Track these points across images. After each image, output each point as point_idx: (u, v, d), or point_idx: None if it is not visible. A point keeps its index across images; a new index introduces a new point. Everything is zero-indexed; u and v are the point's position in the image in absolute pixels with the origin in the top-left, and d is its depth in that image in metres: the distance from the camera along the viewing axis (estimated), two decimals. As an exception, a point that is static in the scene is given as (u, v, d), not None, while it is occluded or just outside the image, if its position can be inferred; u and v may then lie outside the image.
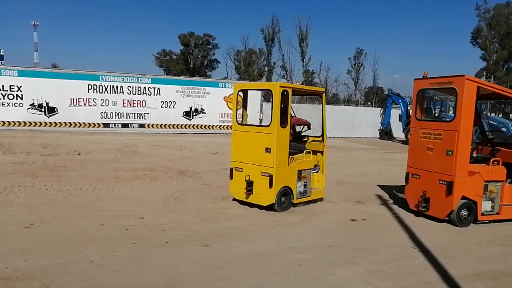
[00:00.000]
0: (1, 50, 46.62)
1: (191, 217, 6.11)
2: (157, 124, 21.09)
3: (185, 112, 21.57)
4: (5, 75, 18.33)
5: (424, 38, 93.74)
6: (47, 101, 19.02)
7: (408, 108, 21.60)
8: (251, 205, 6.79)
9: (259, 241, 5.16)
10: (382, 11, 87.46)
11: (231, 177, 6.99)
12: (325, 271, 4.31)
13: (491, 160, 6.37)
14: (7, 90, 18.35)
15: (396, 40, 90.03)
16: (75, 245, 4.71)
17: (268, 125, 6.52)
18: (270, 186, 6.41)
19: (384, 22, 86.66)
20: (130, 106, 20.49)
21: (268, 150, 6.44)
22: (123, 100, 20.34)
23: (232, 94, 6.80)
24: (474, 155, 6.69)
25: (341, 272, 4.34)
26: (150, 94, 20.82)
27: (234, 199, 7.10)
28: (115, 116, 20.32)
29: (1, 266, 4.04)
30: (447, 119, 7.41)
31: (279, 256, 4.68)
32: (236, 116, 7.13)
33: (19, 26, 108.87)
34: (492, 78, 48.93)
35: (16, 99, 18.54)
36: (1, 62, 38.87)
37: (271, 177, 6.40)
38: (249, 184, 6.62)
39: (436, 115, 19.31)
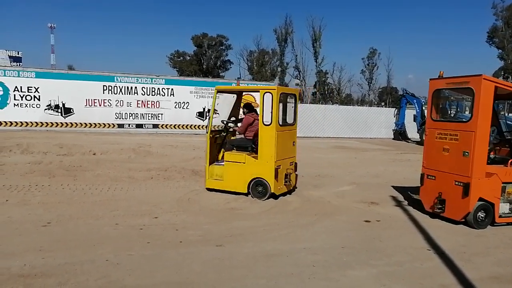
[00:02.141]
0: (19, 52, 47.75)
1: (204, 217, 6.14)
2: (171, 125, 21.27)
3: (198, 112, 21.70)
4: (23, 77, 18.74)
5: (439, 38, 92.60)
6: (64, 102, 19.38)
7: (423, 108, 21.32)
8: (263, 205, 6.79)
9: (272, 242, 5.16)
10: (396, 10, 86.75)
11: (276, 178, 7.24)
12: (338, 273, 4.29)
13: (509, 161, 6.23)
14: (25, 91, 18.76)
15: (410, 40, 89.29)
16: (90, 244, 4.78)
17: (293, 124, 7.96)
18: (295, 170, 8.07)
19: (398, 22, 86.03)
20: (144, 106, 20.71)
21: (294, 143, 7.99)
22: (137, 100, 20.58)
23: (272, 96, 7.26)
24: (492, 156, 6.57)
25: (355, 273, 4.30)
26: (164, 95, 21.01)
27: (276, 196, 7.41)
28: (130, 116, 20.56)
29: (19, 263, 4.12)
30: (464, 120, 7.29)
31: (292, 257, 4.66)
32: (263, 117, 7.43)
33: (36, 29, 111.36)
34: (510, 77, 47.87)
35: (34, 100, 18.93)
36: (19, 64, 39.72)
37: (295, 165, 8.06)
38: (287, 176, 7.55)
39: (452, 115, 19.01)
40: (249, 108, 8.17)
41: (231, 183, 7.59)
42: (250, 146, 7.70)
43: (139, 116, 20.70)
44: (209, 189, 7.83)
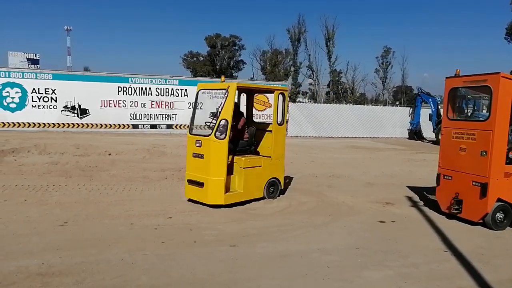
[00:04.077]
0: (37, 55, 48.69)
1: (218, 217, 6.16)
2: (185, 125, 21.35)
3: (211, 113, 21.64)
4: (41, 79, 19.11)
5: (455, 36, 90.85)
6: (80, 103, 19.68)
7: (439, 107, 20.99)
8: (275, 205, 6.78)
9: (286, 242, 5.14)
10: (411, 8, 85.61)
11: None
12: (353, 274, 4.25)
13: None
14: (42, 93, 19.12)
15: (425, 38, 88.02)
16: (106, 243, 4.84)
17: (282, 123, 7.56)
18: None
19: (413, 19, 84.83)
20: (158, 107, 20.89)
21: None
22: (152, 101, 20.77)
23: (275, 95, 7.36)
24: (510, 155, 6.42)
25: (370, 274, 4.26)
26: (178, 95, 21.16)
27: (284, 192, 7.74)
28: (144, 117, 20.76)
29: (37, 262, 4.20)
30: (481, 119, 7.15)
31: (306, 258, 4.64)
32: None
33: (53, 32, 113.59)
34: (529, 75, 46.67)
35: (51, 101, 19.29)
36: (37, 66, 40.53)
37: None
38: None
39: (469, 114, 18.66)
40: (237, 108, 7.76)
41: (251, 191, 6.97)
42: (251, 147, 7.56)
43: (153, 116, 20.89)
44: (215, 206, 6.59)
